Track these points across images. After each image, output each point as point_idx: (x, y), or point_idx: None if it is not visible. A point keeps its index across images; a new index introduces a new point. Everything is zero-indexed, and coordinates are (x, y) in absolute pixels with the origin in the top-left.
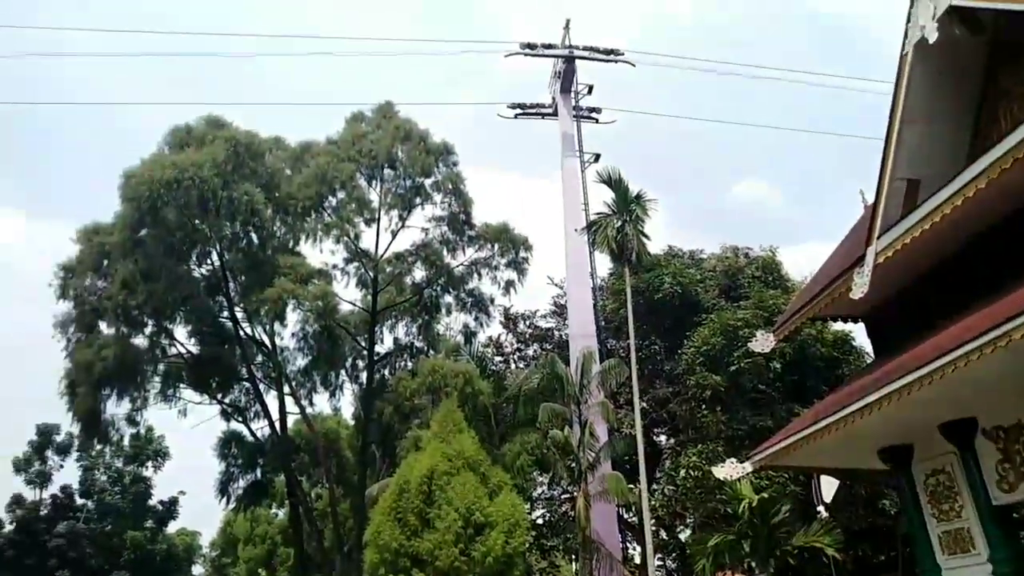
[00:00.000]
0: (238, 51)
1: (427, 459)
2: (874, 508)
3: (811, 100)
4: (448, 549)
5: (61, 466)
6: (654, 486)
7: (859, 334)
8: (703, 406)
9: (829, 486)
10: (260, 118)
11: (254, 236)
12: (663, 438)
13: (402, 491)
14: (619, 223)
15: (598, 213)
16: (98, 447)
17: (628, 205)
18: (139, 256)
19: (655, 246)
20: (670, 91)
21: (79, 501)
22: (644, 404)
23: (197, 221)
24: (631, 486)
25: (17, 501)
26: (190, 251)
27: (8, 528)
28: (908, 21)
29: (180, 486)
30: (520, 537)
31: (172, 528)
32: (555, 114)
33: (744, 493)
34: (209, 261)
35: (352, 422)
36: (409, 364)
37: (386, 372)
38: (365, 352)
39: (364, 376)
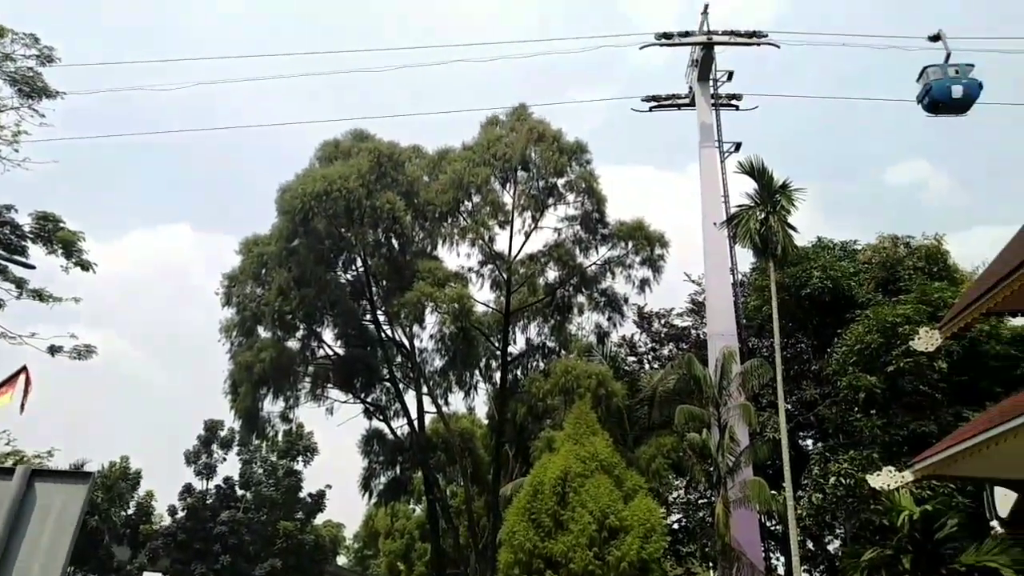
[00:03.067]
0: (383, 65)
1: (560, 460)
2: None
3: (984, 67)
4: (582, 552)
5: (224, 459)
6: (800, 493)
7: None
8: (856, 409)
9: (1006, 499)
10: (403, 129)
11: (395, 242)
12: (810, 443)
13: (536, 492)
14: (762, 215)
15: (739, 205)
16: (256, 442)
17: (772, 196)
18: (292, 264)
19: (802, 238)
20: (820, 71)
21: (239, 492)
22: (789, 406)
23: (343, 230)
24: (774, 492)
25: (188, 490)
26: (337, 258)
27: (180, 515)
28: None
29: (327, 480)
30: (656, 543)
31: (319, 520)
32: (692, 104)
33: (904, 504)
34: (354, 267)
35: (486, 422)
36: (542, 365)
37: (519, 372)
38: (499, 353)
39: (497, 376)
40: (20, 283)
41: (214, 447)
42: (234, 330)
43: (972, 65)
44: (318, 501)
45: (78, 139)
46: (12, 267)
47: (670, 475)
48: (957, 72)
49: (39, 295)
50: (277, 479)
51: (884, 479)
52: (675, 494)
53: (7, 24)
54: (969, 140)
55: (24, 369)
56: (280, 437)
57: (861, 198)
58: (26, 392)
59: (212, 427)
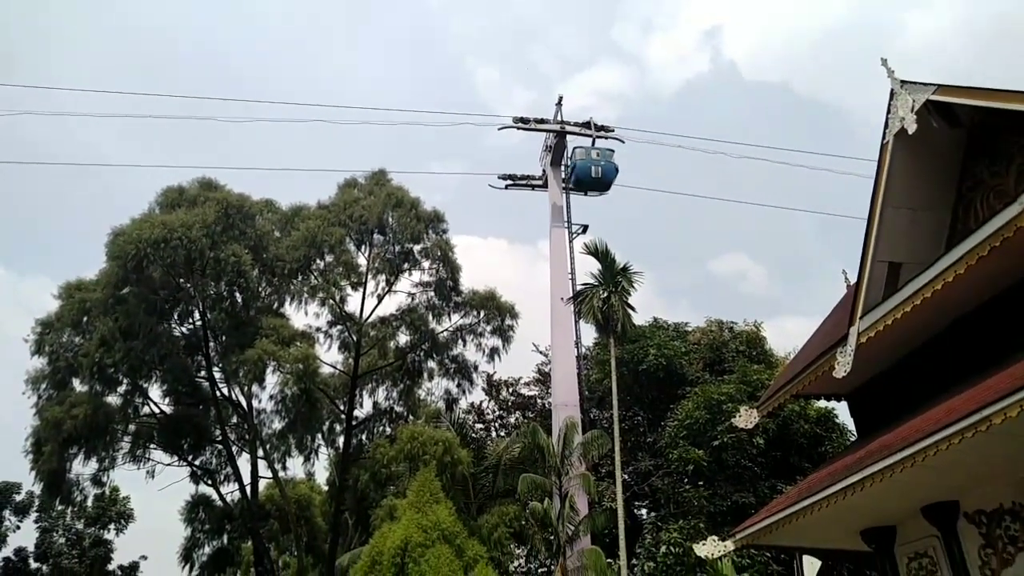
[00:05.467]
0: (235, 115)
1: (402, 529)
2: None
3: (794, 178)
4: None
5: (18, 527)
6: (634, 561)
7: (842, 412)
8: (685, 481)
9: (811, 566)
10: (255, 182)
11: (239, 296)
12: (644, 512)
13: (374, 562)
14: (605, 294)
15: (585, 284)
16: (60, 507)
17: (614, 277)
18: (120, 313)
19: (640, 317)
20: (661, 167)
21: (34, 565)
22: (626, 477)
23: (182, 280)
24: (611, 561)
25: None
26: (172, 310)
27: None
28: (888, 112)
29: (143, 550)
30: None
31: None
32: (545, 186)
33: (726, 573)
34: (191, 320)
35: (326, 488)
36: (388, 429)
37: (364, 437)
38: (343, 416)
39: (341, 440)
40: None
41: (6, 513)
42: (43, 382)
43: (612, 151)
44: (130, 574)
45: None
46: None
47: (512, 544)
48: (598, 155)
49: None
50: (82, 549)
51: (709, 548)
52: (516, 563)
53: None
54: (781, 240)
55: None
56: (90, 502)
57: (691, 283)
58: None
59: (5, 491)
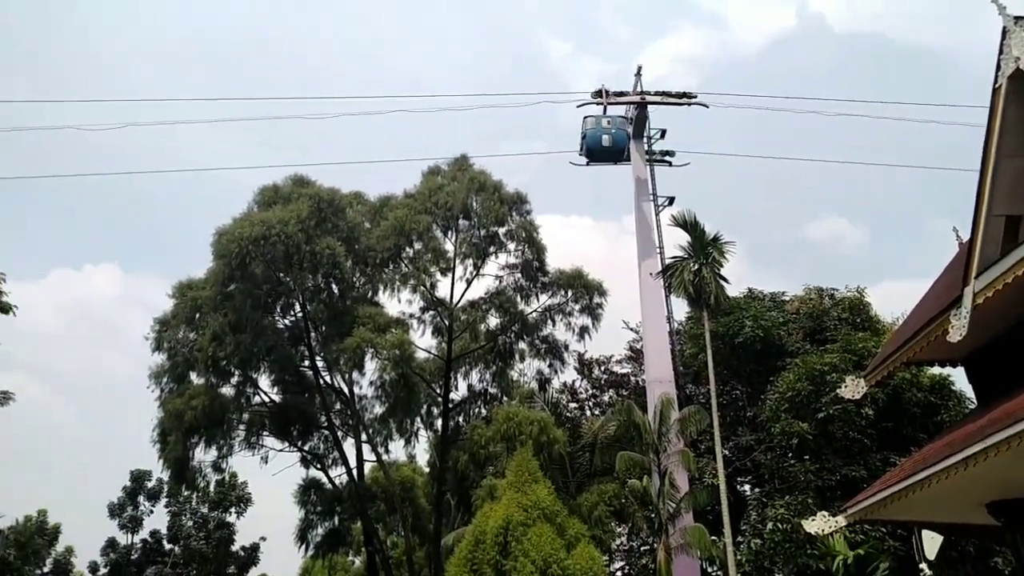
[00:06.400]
0: (323, 112)
1: (503, 509)
2: (985, 566)
3: (896, 134)
4: None
5: (151, 511)
6: (739, 539)
7: (959, 378)
8: (789, 455)
9: (932, 542)
10: (343, 175)
11: (335, 288)
12: (748, 488)
13: (478, 541)
14: (695, 266)
15: (673, 257)
16: (185, 493)
17: (704, 248)
18: (228, 309)
19: (734, 289)
20: (747, 130)
21: (167, 546)
22: (727, 452)
23: (282, 274)
24: (714, 538)
25: (111, 545)
26: (275, 303)
27: (102, 572)
28: (1001, 53)
29: (262, 532)
30: None
31: (253, 574)
32: (628, 159)
33: (838, 549)
34: (292, 313)
35: (427, 470)
36: (483, 411)
37: (460, 419)
38: (440, 399)
39: (439, 423)
40: None
41: (140, 499)
42: (164, 376)
43: (625, 118)
44: (251, 554)
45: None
46: None
47: (612, 522)
48: (609, 123)
49: None
50: (208, 532)
51: (819, 524)
52: (617, 541)
53: None
54: (882, 200)
55: None
56: (212, 487)
57: (785, 250)
58: None
59: (139, 478)
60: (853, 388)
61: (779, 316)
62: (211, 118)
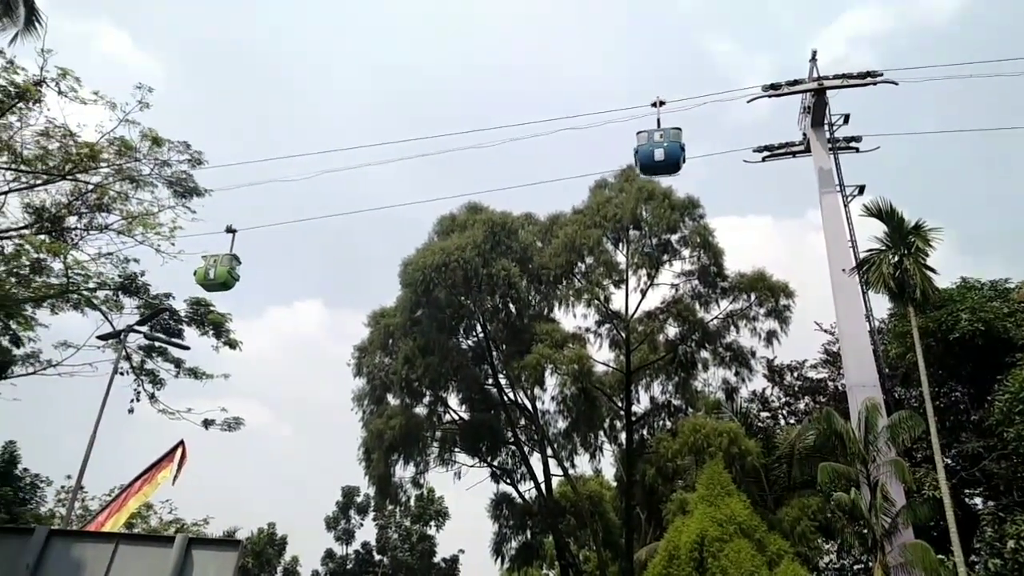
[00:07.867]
0: (491, 140)
1: (696, 523)
2: None
3: None
4: None
5: (361, 524)
6: (973, 558)
7: None
8: None
9: None
10: (515, 198)
11: (512, 307)
12: (979, 501)
13: (672, 557)
14: (896, 258)
15: (869, 250)
16: (390, 507)
17: (905, 237)
18: (417, 333)
19: (943, 280)
20: (953, 105)
21: (376, 557)
22: (948, 461)
23: (463, 298)
24: (941, 557)
25: (329, 555)
26: (458, 325)
27: None
28: None
29: (459, 544)
30: None
31: None
32: (807, 150)
33: None
34: (474, 333)
35: (614, 484)
36: (668, 423)
37: (644, 432)
38: (622, 412)
39: (623, 437)
40: (178, 363)
41: (351, 512)
42: (365, 398)
43: (678, 129)
44: (452, 566)
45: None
46: (171, 349)
47: (818, 538)
48: (661, 136)
49: (194, 373)
50: (411, 544)
51: None
52: (826, 559)
53: (164, 134)
54: None
55: (181, 444)
56: (412, 502)
57: (1004, 233)
58: (181, 465)
59: (349, 493)
60: None
61: (1003, 306)
62: (392, 157)
